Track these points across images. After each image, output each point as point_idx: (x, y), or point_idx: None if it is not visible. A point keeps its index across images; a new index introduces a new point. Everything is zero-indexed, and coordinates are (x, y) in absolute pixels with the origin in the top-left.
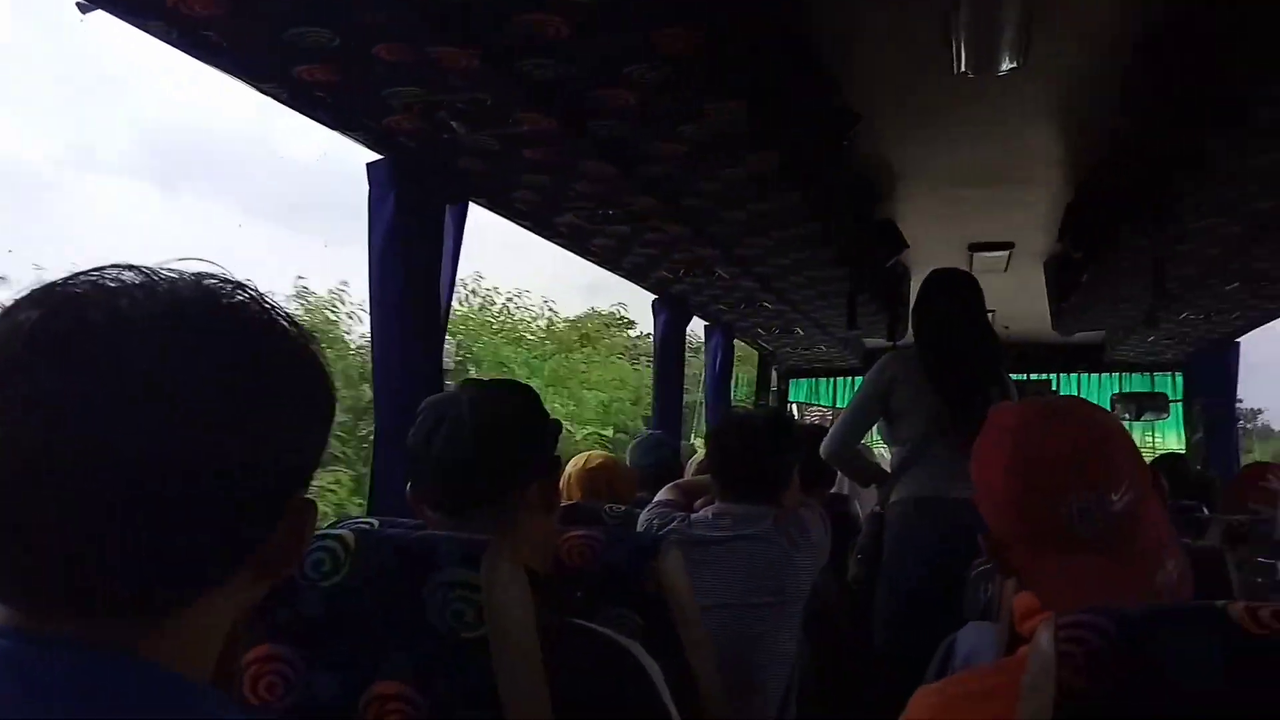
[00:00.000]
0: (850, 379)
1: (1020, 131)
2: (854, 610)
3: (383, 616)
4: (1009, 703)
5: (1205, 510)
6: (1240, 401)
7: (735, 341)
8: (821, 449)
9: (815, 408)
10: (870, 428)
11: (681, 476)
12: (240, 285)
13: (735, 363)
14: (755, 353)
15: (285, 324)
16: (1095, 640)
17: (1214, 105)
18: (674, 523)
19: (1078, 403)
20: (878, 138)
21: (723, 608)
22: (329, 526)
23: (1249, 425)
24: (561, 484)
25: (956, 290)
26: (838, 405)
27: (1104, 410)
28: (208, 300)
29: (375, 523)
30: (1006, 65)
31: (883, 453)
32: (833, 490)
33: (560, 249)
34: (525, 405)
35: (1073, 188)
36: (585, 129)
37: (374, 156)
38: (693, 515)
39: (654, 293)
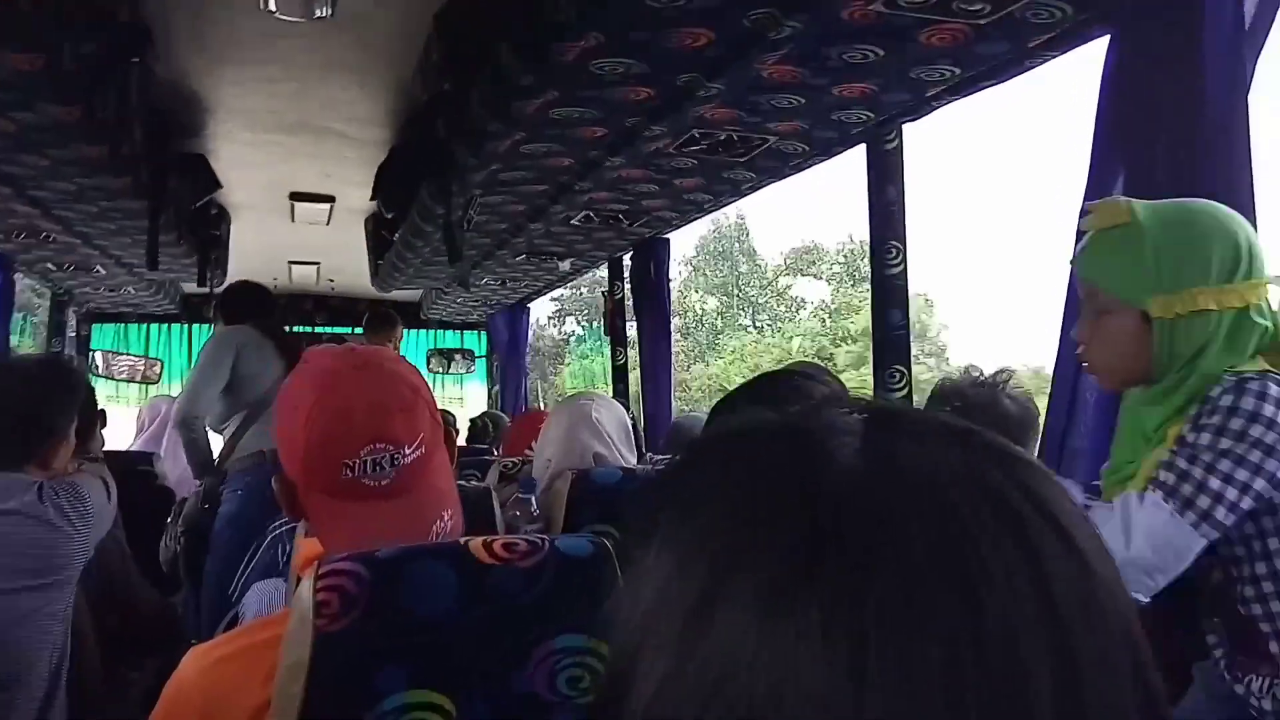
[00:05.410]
0: (168, 326)
1: (333, 83)
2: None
3: None
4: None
5: (496, 453)
6: None
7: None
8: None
9: (126, 356)
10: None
11: None
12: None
13: None
14: None
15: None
16: (350, 585)
17: (488, 90)
18: None
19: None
20: (182, 65)
21: None
22: None
23: None
24: None
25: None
26: (153, 354)
27: (409, 365)
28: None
29: None
30: (318, 12)
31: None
32: (138, 446)
33: None
34: None
35: (384, 148)
36: None
37: None
38: None
39: None
